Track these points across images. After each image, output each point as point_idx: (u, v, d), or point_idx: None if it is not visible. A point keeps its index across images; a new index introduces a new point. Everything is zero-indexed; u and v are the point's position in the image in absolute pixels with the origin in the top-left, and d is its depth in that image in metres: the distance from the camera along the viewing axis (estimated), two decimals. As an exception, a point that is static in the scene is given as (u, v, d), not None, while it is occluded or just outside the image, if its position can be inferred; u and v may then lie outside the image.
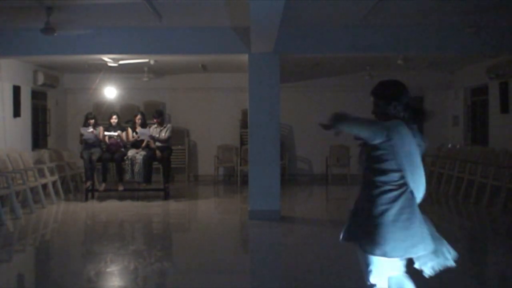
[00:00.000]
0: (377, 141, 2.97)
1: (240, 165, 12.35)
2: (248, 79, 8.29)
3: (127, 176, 10.09)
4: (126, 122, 11.35)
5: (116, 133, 10.23)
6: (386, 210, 2.99)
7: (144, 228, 8.10)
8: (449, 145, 11.94)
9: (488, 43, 8.21)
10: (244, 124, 12.27)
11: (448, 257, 3.08)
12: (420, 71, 12.92)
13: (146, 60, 10.32)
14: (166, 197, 10.13)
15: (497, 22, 7.87)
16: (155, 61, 10.43)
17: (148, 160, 10.01)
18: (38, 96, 11.57)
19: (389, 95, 3.12)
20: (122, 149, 10.27)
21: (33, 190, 9.08)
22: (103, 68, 11.01)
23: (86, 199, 9.95)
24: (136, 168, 9.94)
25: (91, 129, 10.14)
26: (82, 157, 10.18)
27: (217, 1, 6.70)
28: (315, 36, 8.23)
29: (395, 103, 3.10)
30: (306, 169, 13.63)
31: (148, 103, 13.13)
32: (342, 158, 12.66)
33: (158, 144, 10.17)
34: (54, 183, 10.06)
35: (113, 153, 10.14)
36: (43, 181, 9.50)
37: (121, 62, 10.09)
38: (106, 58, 9.65)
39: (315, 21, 7.89)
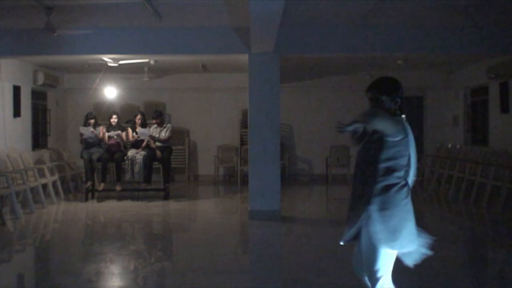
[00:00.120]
0: (399, 137, 3.03)
1: (240, 165, 12.35)
2: (248, 79, 8.29)
3: (127, 176, 10.10)
4: (126, 122, 11.35)
5: (116, 133, 10.23)
6: (403, 205, 3.07)
7: (144, 228, 8.10)
8: (449, 145, 11.94)
9: (488, 43, 8.22)
10: (244, 124, 12.27)
11: (425, 246, 3.14)
12: (420, 71, 12.93)
13: (146, 60, 10.33)
14: (166, 197, 10.13)
15: (497, 22, 7.87)
16: (155, 61, 10.44)
17: (148, 160, 10.02)
18: (38, 96, 11.57)
19: (392, 90, 3.19)
20: (122, 149, 10.28)
21: (33, 190, 9.08)
22: (103, 68, 11.00)
23: (86, 199, 9.95)
24: (136, 168, 9.95)
25: (91, 129, 10.15)
26: (82, 157, 10.17)
27: (217, 1, 6.71)
28: (315, 36, 8.23)
29: (397, 98, 3.18)
30: (306, 169, 13.63)
31: (148, 103, 13.14)
32: (342, 158, 12.66)
33: (158, 144, 10.18)
34: (54, 183, 10.06)
35: (113, 153, 10.14)
36: (43, 181, 9.50)
37: (121, 62, 10.10)
38: (106, 58, 9.65)
39: (315, 21, 7.89)
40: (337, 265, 5.53)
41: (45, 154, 10.68)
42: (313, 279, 5.12)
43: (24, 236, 7.54)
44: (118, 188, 10.15)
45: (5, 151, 9.21)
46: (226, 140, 13.36)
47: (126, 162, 10.00)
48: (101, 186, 10.24)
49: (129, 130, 10.43)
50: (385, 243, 3.02)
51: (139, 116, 10.47)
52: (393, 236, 3.02)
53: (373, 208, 3.03)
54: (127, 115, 12.05)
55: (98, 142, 10.26)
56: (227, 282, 5.15)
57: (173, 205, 9.75)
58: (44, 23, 6.89)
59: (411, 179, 3.18)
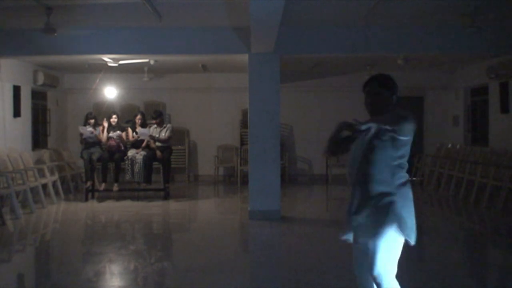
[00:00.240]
0: (409, 136, 3.06)
1: (240, 165, 12.35)
2: (248, 79, 8.29)
3: (127, 176, 10.10)
4: (126, 122, 11.35)
5: (116, 134, 10.22)
6: (412, 199, 3.14)
7: (144, 228, 8.10)
8: (449, 145, 11.94)
9: (489, 43, 8.22)
10: (244, 124, 12.27)
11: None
12: (420, 71, 12.93)
13: (146, 60, 10.33)
14: (166, 197, 10.13)
15: (497, 22, 7.87)
16: (155, 61, 10.44)
17: (148, 160, 10.02)
18: (38, 96, 11.57)
19: (391, 85, 3.20)
20: (122, 148, 10.28)
21: (33, 190, 9.08)
22: (103, 68, 11.01)
23: (86, 199, 9.95)
24: (136, 168, 9.95)
25: (90, 128, 10.15)
26: (82, 157, 10.18)
27: (217, 1, 6.71)
28: (315, 36, 8.23)
29: (395, 94, 3.19)
30: (306, 169, 13.63)
31: (148, 103, 13.14)
32: (342, 158, 12.65)
33: (158, 144, 10.18)
34: (54, 183, 10.06)
35: (113, 153, 10.14)
36: (43, 181, 9.49)
37: (121, 62, 10.10)
38: (106, 58, 9.65)
39: (315, 21, 7.89)
40: (337, 265, 5.53)
41: (45, 154, 10.68)
42: (313, 279, 5.12)
43: (24, 236, 7.54)
44: (115, 188, 10.15)
45: (5, 151, 9.20)
46: (226, 140, 13.36)
47: (126, 162, 10.00)
48: (102, 186, 10.24)
49: (129, 130, 10.43)
50: (408, 236, 3.06)
51: (139, 116, 10.47)
52: (413, 228, 3.08)
53: (397, 206, 3.04)
54: (127, 115, 12.05)
55: (98, 142, 10.27)
56: (227, 282, 5.15)
57: (173, 205, 9.75)
58: (44, 23, 6.89)
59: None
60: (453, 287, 4.96)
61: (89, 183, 9.99)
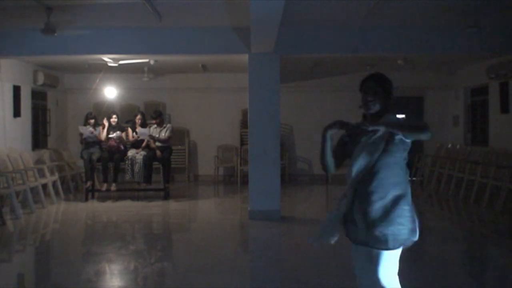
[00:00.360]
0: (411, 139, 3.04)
1: (240, 165, 12.35)
2: (248, 79, 8.29)
3: (127, 176, 10.10)
4: (126, 122, 11.35)
5: (115, 134, 10.22)
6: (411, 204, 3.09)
7: (144, 228, 8.10)
8: (449, 145, 11.94)
9: (489, 43, 8.22)
10: (244, 124, 12.27)
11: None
12: (420, 71, 12.92)
13: (146, 60, 10.33)
14: (166, 197, 10.13)
15: (498, 22, 7.87)
16: (155, 61, 10.44)
17: (148, 160, 10.02)
18: (38, 96, 11.56)
19: (389, 84, 3.14)
20: (122, 148, 10.28)
21: (33, 190, 9.08)
22: (103, 68, 11.00)
23: (86, 199, 9.95)
24: (136, 168, 9.95)
25: (90, 128, 10.15)
26: (82, 157, 10.18)
27: (217, 1, 6.71)
28: (315, 36, 8.23)
29: (391, 94, 3.13)
30: (306, 169, 13.63)
31: (148, 103, 13.14)
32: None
33: (158, 144, 10.18)
34: (54, 183, 10.06)
35: (113, 154, 10.14)
36: (43, 181, 9.49)
37: (121, 62, 10.10)
38: (106, 58, 9.65)
39: (315, 21, 7.89)
40: (337, 265, 5.53)
41: (45, 154, 10.68)
42: (313, 279, 5.12)
43: (24, 236, 7.54)
44: (113, 188, 10.15)
45: (5, 151, 9.20)
46: (226, 140, 13.36)
47: (126, 162, 10.00)
48: (104, 186, 10.23)
49: (129, 130, 10.43)
50: (416, 236, 3.03)
51: (139, 116, 10.47)
52: (416, 231, 3.06)
53: (411, 207, 3.02)
54: (127, 115, 12.05)
55: (98, 142, 10.27)
56: (227, 282, 5.15)
57: (173, 205, 9.75)
58: (44, 23, 6.89)
59: None
60: (453, 287, 4.96)
61: (89, 183, 9.99)
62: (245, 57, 8.38)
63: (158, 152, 10.07)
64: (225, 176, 13.42)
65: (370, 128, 2.87)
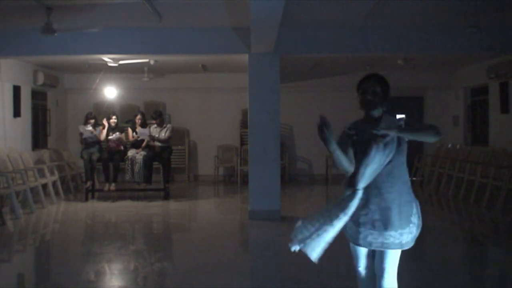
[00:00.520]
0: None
1: (240, 165, 12.35)
2: (248, 79, 8.29)
3: (127, 176, 10.10)
4: (126, 122, 11.35)
5: (114, 135, 10.22)
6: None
7: (144, 228, 8.10)
8: (449, 145, 11.94)
9: (489, 43, 8.21)
10: (244, 124, 12.27)
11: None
12: (420, 71, 12.93)
13: (146, 60, 10.33)
14: (166, 197, 10.13)
15: (498, 22, 7.86)
16: (155, 61, 10.44)
17: (148, 160, 10.02)
18: (38, 96, 11.57)
19: (387, 85, 3.15)
20: (122, 148, 10.28)
21: (33, 190, 9.08)
22: (103, 68, 11.01)
23: (86, 199, 9.95)
24: (136, 168, 9.95)
25: (90, 128, 10.15)
26: (82, 157, 10.18)
27: (217, 1, 6.71)
28: (315, 36, 8.23)
29: (388, 94, 3.15)
30: (306, 169, 13.63)
31: (148, 103, 13.14)
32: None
33: (158, 144, 10.17)
34: (54, 183, 10.06)
35: (114, 154, 10.14)
36: (43, 181, 9.50)
37: (121, 62, 10.10)
38: (106, 58, 9.65)
39: (315, 21, 7.89)
40: (337, 265, 5.53)
41: (45, 154, 10.68)
42: (313, 279, 5.12)
43: (24, 236, 7.54)
44: (112, 188, 10.15)
45: (5, 151, 9.20)
46: (226, 140, 13.36)
47: (126, 162, 10.00)
48: (106, 186, 10.22)
49: (129, 130, 10.43)
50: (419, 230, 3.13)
51: (139, 116, 10.47)
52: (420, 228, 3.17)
53: (416, 202, 3.18)
54: (127, 115, 12.05)
55: (98, 142, 10.27)
56: (227, 282, 5.15)
57: (173, 205, 9.75)
58: (44, 23, 6.89)
59: None
60: (453, 287, 4.96)
61: (89, 183, 9.99)
62: (245, 57, 8.38)
63: (156, 145, 10.05)
64: (225, 176, 13.42)
65: (381, 132, 2.87)
